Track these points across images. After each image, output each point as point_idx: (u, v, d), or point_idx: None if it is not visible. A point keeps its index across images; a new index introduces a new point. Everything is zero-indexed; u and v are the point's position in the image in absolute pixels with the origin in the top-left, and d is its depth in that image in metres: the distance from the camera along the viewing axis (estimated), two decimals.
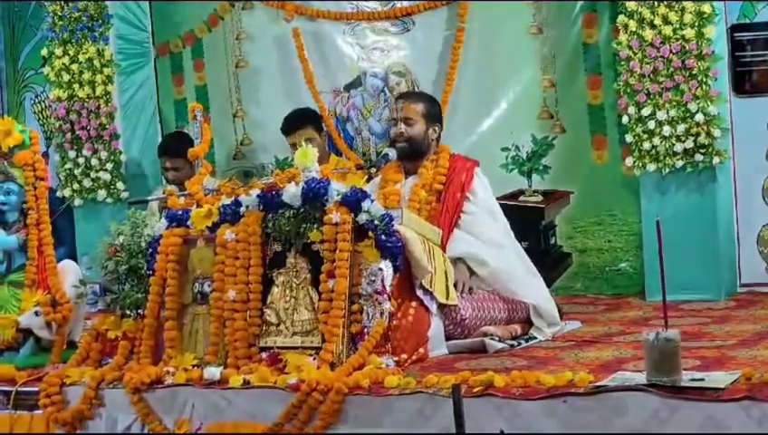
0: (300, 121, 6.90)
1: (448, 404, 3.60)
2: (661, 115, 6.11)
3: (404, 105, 5.64)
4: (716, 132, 6.05)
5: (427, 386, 4.17)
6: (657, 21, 6.12)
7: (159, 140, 7.58)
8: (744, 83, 6.37)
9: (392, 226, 4.62)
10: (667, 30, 6.09)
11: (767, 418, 3.63)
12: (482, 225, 5.44)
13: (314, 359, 4.48)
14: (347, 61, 7.35)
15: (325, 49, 7.38)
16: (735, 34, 6.34)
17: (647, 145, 6.17)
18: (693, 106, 6.06)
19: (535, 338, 5.21)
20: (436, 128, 5.61)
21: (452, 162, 5.58)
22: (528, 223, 5.48)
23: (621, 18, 6.23)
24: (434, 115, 5.66)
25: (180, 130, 7.49)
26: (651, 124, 6.14)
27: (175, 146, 7.04)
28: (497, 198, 5.70)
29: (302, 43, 7.32)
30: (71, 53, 7.35)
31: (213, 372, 4.55)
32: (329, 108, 7.32)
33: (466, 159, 5.66)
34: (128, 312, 5.04)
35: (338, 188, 4.65)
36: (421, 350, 4.79)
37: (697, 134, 6.07)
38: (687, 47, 6.07)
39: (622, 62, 6.24)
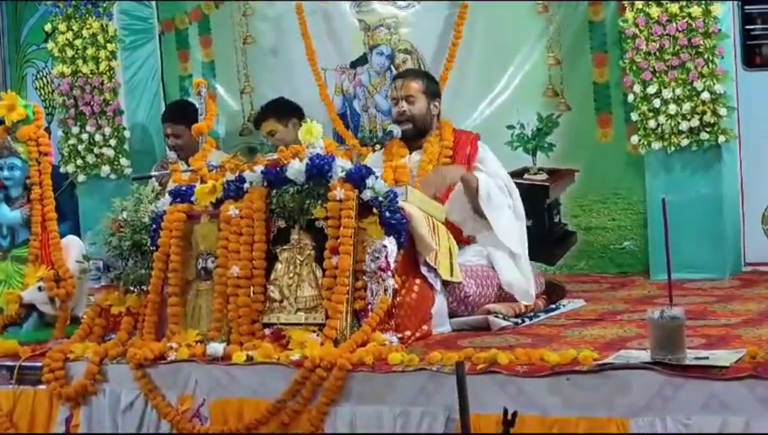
0: (262, 116, 6.94)
1: (452, 381, 3.59)
2: (667, 93, 6.08)
3: (403, 84, 5.65)
4: (722, 111, 6.02)
5: (430, 363, 4.18)
6: None
7: None
8: (754, 57, 6.34)
9: (396, 202, 4.61)
10: (674, 8, 6.06)
11: None
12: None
13: (318, 335, 4.48)
14: (353, 38, 7.30)
15: (332, 26, 7.34)
16: (746, 7, 6.31)
17: (652, 123, 6.14)
18: (699, 84, 6.03)
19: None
20: (437, 103, 5.66)
21: (455, 136, 5.63)
22: (533, 201, 5.48)
23: None
24: (433, 91, 5.70)
25: (187, 100, 7.47)
26: (657, 102, 6.11)
27: (176, 113, 7.04)
28: None
29: (305, 18, 7.28)
30: (74, 28, 7.31)
31: (216, 348, 4.56)
32: (336, 84, 7.28)
33: (468, 133, 5.74)
34: (131, 287, 5.04)
35: (342, 164, 4.64)
36: (425, 327, 4.78)
37: (703, 113, 6.04)
38: (694, 25, 6.04)
39: (628, 40, 6.20)
